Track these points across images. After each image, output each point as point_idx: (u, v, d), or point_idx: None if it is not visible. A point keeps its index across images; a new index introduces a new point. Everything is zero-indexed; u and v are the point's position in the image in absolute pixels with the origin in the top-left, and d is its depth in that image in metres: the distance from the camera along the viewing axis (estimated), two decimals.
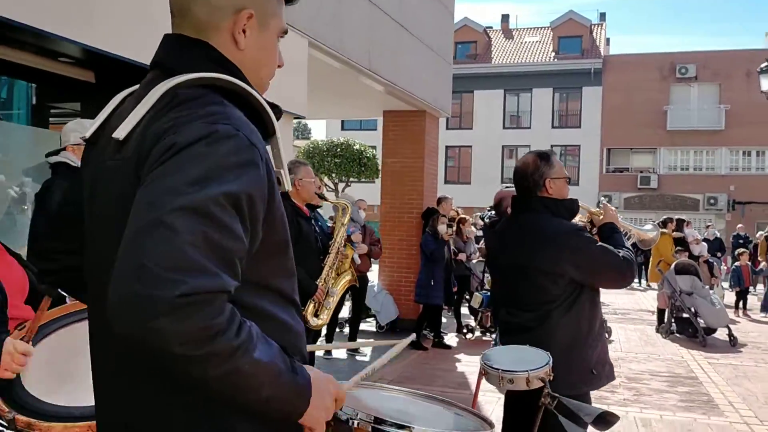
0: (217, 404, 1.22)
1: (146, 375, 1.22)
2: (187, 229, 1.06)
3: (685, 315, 10.40)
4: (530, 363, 2.28)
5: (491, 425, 1.85)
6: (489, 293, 4.15)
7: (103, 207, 1.31)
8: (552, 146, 33.99)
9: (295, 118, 6.67)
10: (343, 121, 30.19)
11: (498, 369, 2.29)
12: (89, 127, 3.45)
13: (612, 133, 32.91)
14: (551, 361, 2.29)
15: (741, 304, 13.80)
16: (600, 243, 2.86)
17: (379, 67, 8.19)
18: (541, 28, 37.72)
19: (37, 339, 2.17)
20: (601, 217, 3.26)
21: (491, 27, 38.72)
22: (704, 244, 14.94)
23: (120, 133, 1.26)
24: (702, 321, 10.13)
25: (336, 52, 7.06)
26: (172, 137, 1.16)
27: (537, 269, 2.79)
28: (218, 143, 1.15)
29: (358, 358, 8.15)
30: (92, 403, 1.91)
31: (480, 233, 11.09)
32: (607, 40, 36.51)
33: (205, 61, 1.33)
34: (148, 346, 1.05)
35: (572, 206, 3.02)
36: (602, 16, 38.17)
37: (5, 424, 1.84)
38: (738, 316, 13.11)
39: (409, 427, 1.68)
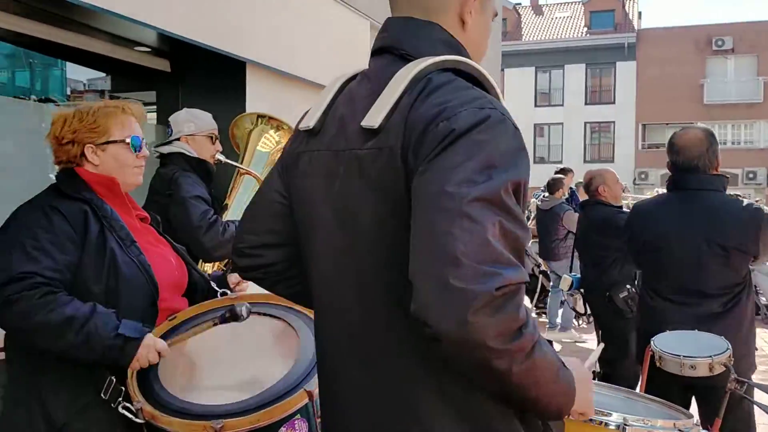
0: (486, 409, 1.17)
1: (421, 373, 1.18)
2: (488, 220, 1.05)
3: None
4: (711, 349, 2.20)
5: (688, 415, 1.78)
6: (578, 276, 4.07)
7: (351, 197, 1.26)
8: (585, 123, 33.64)
9: None
10: None
11: (679, 356, 2.21)
12: (204, 118, 3.39)
13: (647, 109, 32.36)
14: (730, 346, 2.20)
15: None
16: None
17: None
18: (572, 2, 37.09)
19: (177, 333, 2.14)
20: None
21: (520, 3, 38.27)
22: None
23: (373, 121, 1.21)
24: (764, 298, 9.93)
25: None
26: (446, 123, 1.13)
27: (739, 250, 2.67)
28: (493, 129, 1.14)
29: None
30: (214, 402, 1.89)
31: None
32: (639, 14, 35.82)
33: (440, 44, 1.31)
34: (465, 340, 1.01)
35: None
36: None
37: (134, 411, 1.85)
38: None
39: (611, 414, 1.61)
